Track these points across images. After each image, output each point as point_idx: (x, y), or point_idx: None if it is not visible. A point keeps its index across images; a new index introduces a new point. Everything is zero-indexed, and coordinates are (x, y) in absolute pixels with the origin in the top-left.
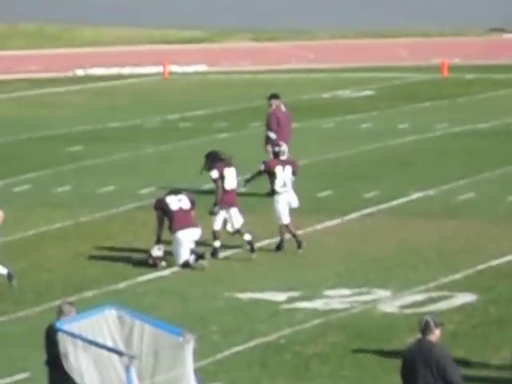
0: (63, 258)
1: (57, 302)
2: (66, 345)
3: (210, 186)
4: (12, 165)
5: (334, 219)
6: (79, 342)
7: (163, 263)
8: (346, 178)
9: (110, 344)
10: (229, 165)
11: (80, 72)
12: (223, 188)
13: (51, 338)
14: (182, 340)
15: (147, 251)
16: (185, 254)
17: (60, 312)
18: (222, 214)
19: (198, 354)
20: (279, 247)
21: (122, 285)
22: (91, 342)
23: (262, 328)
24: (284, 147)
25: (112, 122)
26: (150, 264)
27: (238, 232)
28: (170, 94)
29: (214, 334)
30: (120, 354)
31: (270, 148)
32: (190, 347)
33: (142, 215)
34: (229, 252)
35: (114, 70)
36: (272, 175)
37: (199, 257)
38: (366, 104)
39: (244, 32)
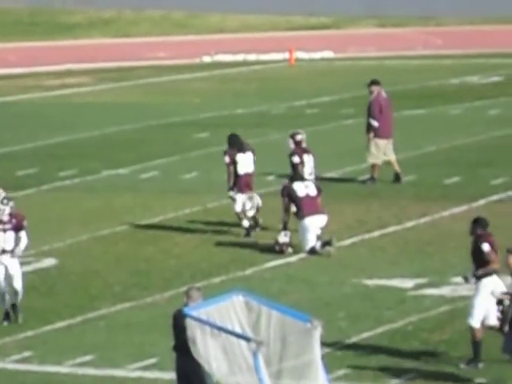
0: (191, 244)
1: (185, 288)
2: (193, 330)
3: (332, 173)
4: (139, 151)
5: (462, 206)
6: (207, 328)
7: (290, 249)
8: (473, 165)
9: (237, 330)
10: (244, 150)
11: (207, 59)
12: (235, 173)
13: (179, 323)
14: (310, 326)
15: (274, 238)
16: (312, 241)
17: (188, 297)
18: (240, 197)
19: (325, 340)
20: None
21: (249, 271)
22: (219, 328)
23: (390, 314)
24: (303, 135)
25: (238, 108)
26: (276, 250)
27: (244, 218)
28: (296, 80)
29: (341, 321)
30: (247, 339)
31: (371, 135)
32: (317, 333)
33: (270, 201)
34: (356, 238)
35: (240, 57)
36: (301, 163)
37: (326, 243)
38: (494, 90)
39: (370, 18)
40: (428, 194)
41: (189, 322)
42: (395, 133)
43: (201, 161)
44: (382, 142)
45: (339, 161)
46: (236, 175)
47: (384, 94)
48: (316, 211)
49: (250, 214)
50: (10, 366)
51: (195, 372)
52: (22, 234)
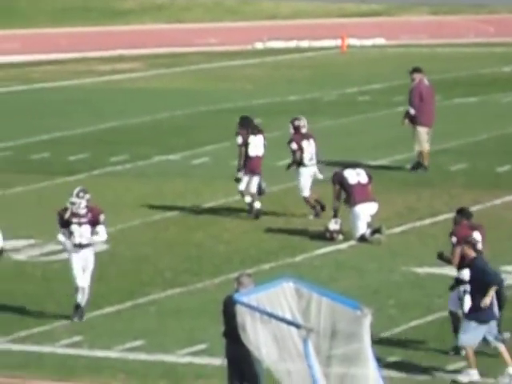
0: (241, 230)
1: (235, 274)
2: (243, 317)
3: (383, 161)
4: (190, 138)
5: None
6: (257, 314)
7: (340, 236)
8: None
9: (288, 316)
10: (255, 132)
11: (259, 45)
12: (246, 154)
13: (229, 309)
14: (360, 314)
15: (324, 225)
16: (362, 228)
17: (238, 284)
18: (245, 179)
19: (374, 328)
20: (317, 215)
21: (299, 258)
22: (269, 314)
23: (440, 303)
24: (304, 121)
25: (291, 95)
26: (326, 237)
27: (247, 195)
28: (348, 67)
29: (390, 308)
30: (297, 326)
31: (406, 122)
32: (367, 321)
33: (320, 189)
34: (406, 226)
35: (292, 44)
36: (299, 149)
37: (375, 231)
38: None
39: (422, 5)
40: (480, 182)
41: (239, 309)
42: (446, 121)
43: None
44: (423, 130)
45: (390, 148)
46: (247, 157)
47: (426, 82)
48: (367, 199)
49: (250, 191)
50: (60, 351)
51: (245, 358)
52: (100, 228)
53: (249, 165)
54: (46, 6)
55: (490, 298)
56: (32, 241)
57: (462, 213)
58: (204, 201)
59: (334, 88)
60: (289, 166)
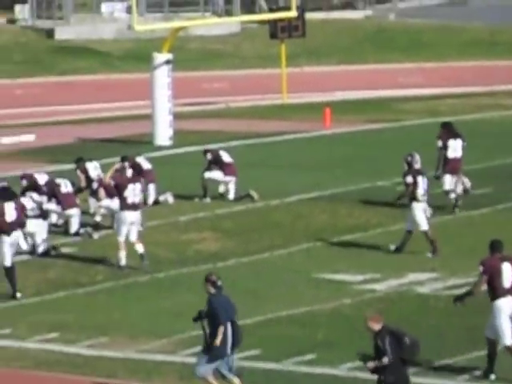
0: None
1: None
2: None
3: None
4: None
5: None
6: None
7: None
8: None
9: None
10: (455, 136)
11: None
12: (445, 156)
13: None
14: None
15: None
16: None
17: None
18: (448, 178)
19: None
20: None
21: None
22: None
23: None
24: (417, 157)
25: None
26: None
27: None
28: None
29: None
30: None
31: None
32: None
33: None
34: None
35: None
36: (413, 184)
37: None
38: None
39: None
40: None
41: None
42: None
43: None
44: None
45: None
46: (445, 158)
47: None
48: None
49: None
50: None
51: None
52: None
53: (448, 166)
54: (453, 39)
55: (219, 339)
56: (435, 274)
57: (494, 246)
58: None
59: None
60: (399, 198)
